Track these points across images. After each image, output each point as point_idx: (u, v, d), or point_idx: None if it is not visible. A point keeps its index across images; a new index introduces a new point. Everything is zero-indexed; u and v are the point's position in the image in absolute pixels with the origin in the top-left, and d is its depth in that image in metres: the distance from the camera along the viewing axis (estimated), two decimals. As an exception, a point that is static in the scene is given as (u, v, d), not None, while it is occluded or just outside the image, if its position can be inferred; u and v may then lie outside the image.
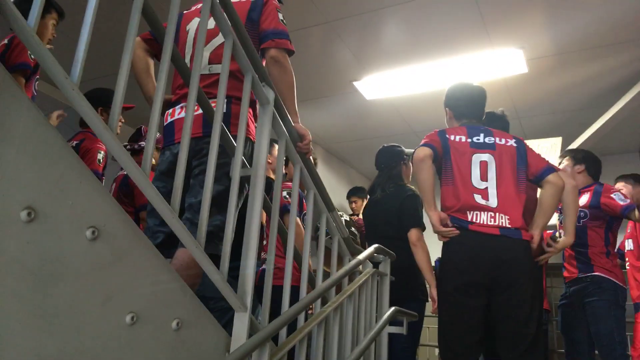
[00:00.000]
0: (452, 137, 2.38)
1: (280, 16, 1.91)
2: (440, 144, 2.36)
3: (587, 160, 3.25)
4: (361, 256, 2.08)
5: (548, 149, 4.23)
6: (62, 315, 0.96)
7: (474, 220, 2.22)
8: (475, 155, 2.33)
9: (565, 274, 3.10)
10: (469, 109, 2.52)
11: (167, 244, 1.70)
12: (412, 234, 2.86)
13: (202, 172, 1.65)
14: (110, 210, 1.03)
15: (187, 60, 1.82)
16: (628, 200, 2.96)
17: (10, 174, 0.87)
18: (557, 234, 3.09)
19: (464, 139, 2.38)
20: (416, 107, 5.25)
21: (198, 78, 1.28)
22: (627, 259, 3.36)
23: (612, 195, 2.99)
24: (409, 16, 3.84)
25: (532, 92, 4.82)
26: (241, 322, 1.33)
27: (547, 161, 2.38)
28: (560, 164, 3.33)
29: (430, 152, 2.30)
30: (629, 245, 3.32)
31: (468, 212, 2.24)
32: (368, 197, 3.37)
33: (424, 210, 2.46)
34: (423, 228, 2.90)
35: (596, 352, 2.98)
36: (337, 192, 6.05)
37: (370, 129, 5.88)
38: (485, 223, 2.20)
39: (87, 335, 1.00)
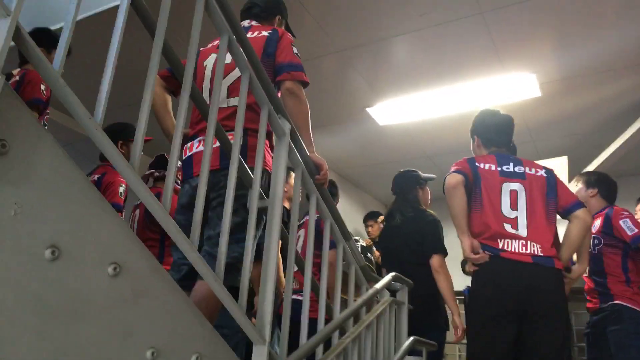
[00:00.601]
0: (481, 165, 2.38)
1: (295, 50, 1.95)
2: (470, 172, 2.35)
3: (600, 184, 3.19)
4: (378, 285, 2.07)
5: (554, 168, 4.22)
6: (84, 352, 0.96)
7: (505, 248, 2.20)
8: (505, 184, 2.32)
9: (589, 305, 3.05)
10: (498, 136, 2.52)
11: (193, 276, 1.71)
12: (435, 260, 2.82)
13: (220, 204, 1.67)
14: (131, 246, 1.04)
15: (206, 94, 1.86)
16: (636, 230, 2.87)
17: (35, 214, 0.88)
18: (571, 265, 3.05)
19: (493, 167, 2.37)
20: (429, 131, 5.26)
21: (216, 112, 1.30)
22: None
23: (620, 223, 2.93)
24: (421, 43, 3.89)
25: (546, 115, 4.82)
26: (260, 355, 1.32)
27: (577, 196, 2.39)
28: (575, 187, 3.30)
29: (463, 178, 2.30)
30: None
31: (499, 240, 2.22)
32: (384, 222, 3.34)
33: (455, 237, 2.45)
34: (445, 254, 2.87)
35: None
36: (350, 217, 6.04)
37: (384, 154, 5.90)
38: (517, 251, 2.19)
39: (108, 372, 1.00)
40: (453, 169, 2.38)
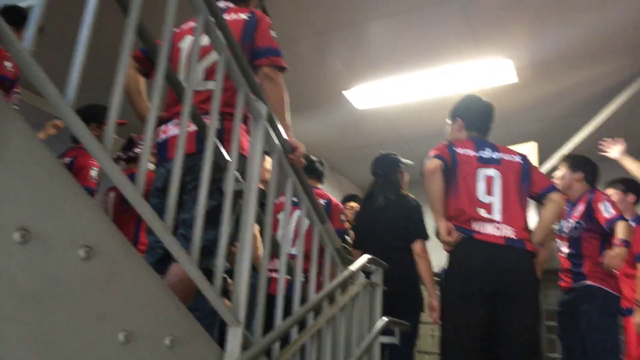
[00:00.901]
0: (460, 151, 2.42)
1: (273, 33, 1.93)
2: (449, 157, 2.39)
3: (586, 167, 3.22)
4: (353, 267, 2.09)
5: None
6: (56, 335, 0.95)
7: (479, 230, 2.27)
8: (481, 169, 2.37)
9: (562, 283, 3.11)
10: (481, 122, 2.58)
11: (167, 260, 1.71)
12: (418, 245, 2.88)
13: (195, 188, 1.65)
14: (103, 229, 1.03)
15: (181, 77, 1.83)
16: (614, 212, 2.90)
17: (3, 196, 0.87)
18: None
19: (471, 152, 2.42)
20: (406, 116, 5.29)
21: (192, 95, 1.28)
22: None
23: (599, 205, 2.96)
24: (399, 27, 3.88)
25: (521, 100, 4.88)
26: (235, 337, 1.33)
27: (550, 180, 2.46)
28: (558, 170, 3.35)
29: (441, 164, 2.35)
30: None
31: (473, 223, 2.28)
32: (364, 203, 3.28)
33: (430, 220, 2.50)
34: (428, 239, 2.93)
35: None
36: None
37: (361, 138, 5.91)
38: (490, 233, 2.26)
39: (80, 355, 1.00)
40: (432, 153, 2.41)
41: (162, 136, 1.84)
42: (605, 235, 2.97)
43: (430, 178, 2.34)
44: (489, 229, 2.26)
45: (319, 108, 5.19)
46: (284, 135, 1.77)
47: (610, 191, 3.44)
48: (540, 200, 2.41)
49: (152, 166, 3.12)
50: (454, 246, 2.30)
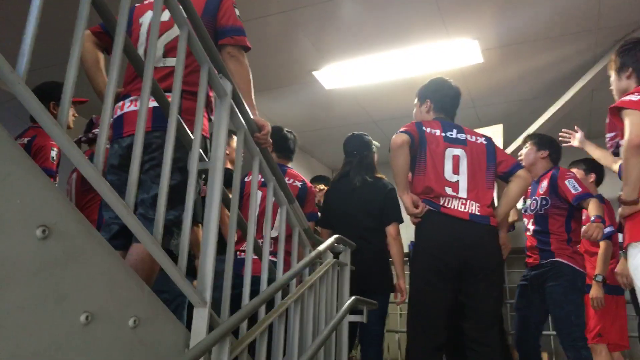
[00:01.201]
0: (428, 130, 2.46)
1: (237, 12, 1.90)
2: (417, 134, 2.42)
3: (551, 146, 3.29)
4: (321, 247, 2.10)
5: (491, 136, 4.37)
6: (13, 317, 0.93)
7: (445, 204, 2.32)
8: (448, 149, 2.42)
9: (528, 260, 3.17)
10: (450, 105, 2.63)
11: (122, 235, 1.69)
12: (393, 228, 2.95)
13: (153, 167, 1.63)
14: (61, 209, 1.00)
15: (141, 53, 1.78)
16: (580, 189, 2.97)
17: (-48, 173, 0.83)
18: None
19: (438, 132, 2.46)
20: (375, 96, 5.28)
21: (152, 71, 1.25)
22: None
23: (566, 182, 3.02)
24: (367, 6, 3.86)
25: (487, 81, 4.93)
26: (201, 317, 1.32)
27: (515, 158, 2.53)
28: (522, 148, 3.41)
29: (408, 139, 2.37)
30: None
31: (440, 198, 2.34)
32: (336, 182, 3.25)
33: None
34: (402, 222, 2.98)
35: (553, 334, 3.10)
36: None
37: (331, 118, 5.89)
38: (456, 208, 2.31)
39: (40, 337, 0.97)
40: (401, 129, 2.44)
41: (118, 112, 1.79)
42: (571, 211, 3.04)
43: (396, 152, 2.36)
44: (454, 204, 2.32)
45: (288, 87, 5.15)
46: (251, 114, 1.75)
47: (574, 170, 3.52)
48: (507, 178, 2.47)
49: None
50: (421, 218, 2.35)
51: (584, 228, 2.82)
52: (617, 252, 3.36)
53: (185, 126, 1.59)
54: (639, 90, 2.04)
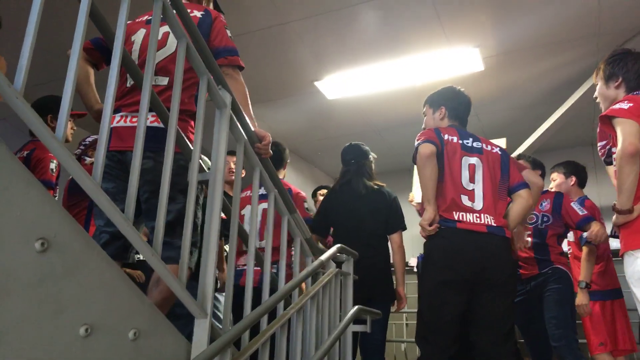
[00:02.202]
0: (446, 137, 2.43)
1: (229, 33, 1.93)
2: (438, 142, 2.39)
3: (578, 172, 3.49)
4: (323, 257, 2.09)
5: None
6: (12, 329, 0.93)
7: (460, 219, 2.29)
8: (464, 157, 2.40)
9: (523, 271, 3.21)
10: (464, 112, 2.63)
11: (112, 245, 1.72)
12: (398, 236, 2.98)
13: (153, 193, 1.65)
14: (60, 221, 1.00)
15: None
16: (586, 212, 3.14)
17: (-50, 187, 0.83)
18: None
19: (455, 139, 2.44)
20: (377, 105, 5.30)
21: (150, 87, 1.25)
22: (569, 249, 3.50)
23: (572, 204, 3.18)
24: (368, 16, 3.88)
25: (489, 89, 4.94)
26: (201, 329, 1.32)
27: (523, 176, 2.49)
28: (553, 180, 3.59)
29: (435, 149, 2.33)
30: (570, 236, 3.47)
31: (454, 212, 2.29)
32: (338, 188, 3.22)
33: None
34: (405, 230, 3.03)
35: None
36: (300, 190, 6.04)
37: (333, 128, 5.91)
38: (471, 222, 2.28)
39: (39, 349, 0.97)
40: (422, 138, 2.39)
41: (114, 124, 1.80)
42: (566, 231, 3.28)
43: (425, 163, 2.30)
44: (469, 218, 2.29)
45: (290, 98, 5.17)
46: (251, 126, 1.76)
47: (554, 175, 3.62)
48: (510, 194, 2.46)
49: (89, 159, 3.10)
50: (433, 233, 2.31)
51: (592, 231, 3.02)
52: (605, 254, 3.40)
53: (189, 143, 1.60)
54: (629, 99, 2.04)
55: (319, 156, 6.74)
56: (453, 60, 4.37)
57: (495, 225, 2.30)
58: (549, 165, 3.71)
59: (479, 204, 2.32)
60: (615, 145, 2.02)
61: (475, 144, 2.46)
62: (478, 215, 2.30)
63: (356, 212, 3.02)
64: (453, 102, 2.62)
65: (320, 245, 2.99)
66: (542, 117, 5.01)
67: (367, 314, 2.37)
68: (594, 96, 2.35)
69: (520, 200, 2.42)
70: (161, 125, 1.69)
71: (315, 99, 5.16)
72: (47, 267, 0.98)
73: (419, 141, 2.39)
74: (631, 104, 1.98)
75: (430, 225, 2.29)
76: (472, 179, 2.37)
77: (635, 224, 1.92)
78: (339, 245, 2.34)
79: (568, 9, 3.80)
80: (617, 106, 2.01)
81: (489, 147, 2.48)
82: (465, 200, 2.32)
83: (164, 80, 1.76)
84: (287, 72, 4.68)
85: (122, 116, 1.77)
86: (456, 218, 2.29)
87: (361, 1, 3.70)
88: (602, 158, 2.29)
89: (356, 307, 2.28)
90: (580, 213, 3.13)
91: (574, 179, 3.53)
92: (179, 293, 1.26)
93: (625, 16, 3.87)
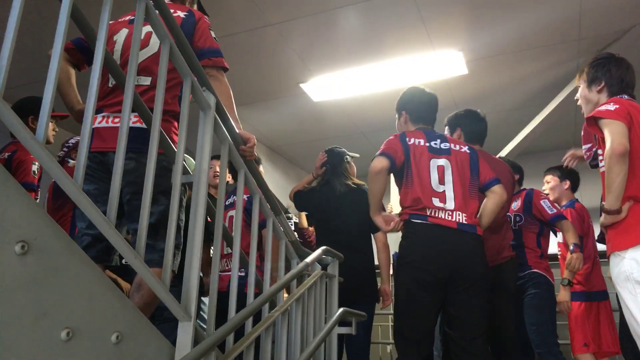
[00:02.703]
0: (412, 141, 2.44)
1: (213, 34, 1.92)
2: (401, 150, 2.41)
3: (572, 176, 3.51)
4: (309, 259, 2.09)
5: None
6: (-8, 334, 0.91)
7: (432, 215, 2.31)
8: (432, 159, 2.41)
9: None
10: (427, 114, 2.60)
11: (94, 247, 1.71)
12: (383, 234, 3.02)
13: (134, 195, 1.64)
14: (41, 224, 0.99)
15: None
16: (555, 210, 3.19)
17: None
18: None
19: (422, 142, 2.44)
20: (362, 108, 5.32)
21: (133, 87, 1.25)
22: (559, 250, 3.54)
23: (541, 202, 3.22)
24: (353, 19, 3.89)
25: (473, 92, 4.98)
26: (185, 332, 1.31)
27: (494, 173, 2.50)
28: (547, 182, 3.60)
29: (388, 164, 2.35)
30: (560, 237, 3.49)
31: (427, 209, 2.32)
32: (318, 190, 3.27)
33: None
34: None
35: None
36: (286, 193, 6.03)
37: (319, 130, 5.92)
38: (443, 218, 2.30)
39: (20, 354, 0.95)
40: (382, 149, 2.43)
41: (96, 124, 1.78)
42: (541, 230, 3.28)
43: (374, 177, 2.37)
44: (441, 215, 2.31)
45: (276, 100, 5.16)
46: (235, 128, 1.75)
47: (548, 177, 3.64)
48: (483, 191, 2.47)
49: (72, 162, 3.07)
50: (406, 232, 2.35)
51: (567, 260, 3.06)
52: (592, 255, 3.43)
53: (172, 144, 1.59)
54: (614, 101, 2.07)
55: (305, 158, 6.74)
56: (437, 63, 4.40)
57: (466, 222, 2.31)
58: (532, 168, 3.74)
59: (450, 205, 2.33)
60: (600, 147, 2.05)
61: (443, 145, 2.46)
62: (450, 213, 2.32)
63: (339, 212, 3.04)
64: (412, 105, 2.61)
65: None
66: (525, 121, 5.07)
67: (352, 316, 2.38)
68: (575, 97, 2.38)
69: (493, 196, 2.43)
70: (143, 125, 1.67)
71: (300, 101, 5.16)
72: (28, 270, 0.97)
73: (378, 152, 2.42)
74: (617, 106, 2.01)
75: (388, 225, 2.41)
76: (441, 181, 2.38)
77: (623, 224, 1.94)
78: (324, 247, 2.34)
79: (550, 14, 3.85)
80: (603, 108, 2.04)
81: (457, 147, 2.49)
82: (436, 202, 2.33)
83: (146, 80, 1.75)
84: (272, 74, 4.67)
85: (103, 116, 1.76)
86: (428, 214, 2.31)
87: (346, 4, 3.71)
88: (588, 161, 2.32)
89: (341, 309, 2.28)
90: (550, 212, 3.18)
91: (568, 182, 3.55)
92: (163, 296, 1.25)
93: (605, 22, 3.93)
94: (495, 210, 2.43)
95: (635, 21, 3.94)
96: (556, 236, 3.48)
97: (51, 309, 1.01)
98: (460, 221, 2.31)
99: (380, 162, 2.36)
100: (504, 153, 4.93)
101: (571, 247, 3.06)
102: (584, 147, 2.31)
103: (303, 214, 3.99)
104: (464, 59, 4.34)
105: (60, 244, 1.03)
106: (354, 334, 2.44)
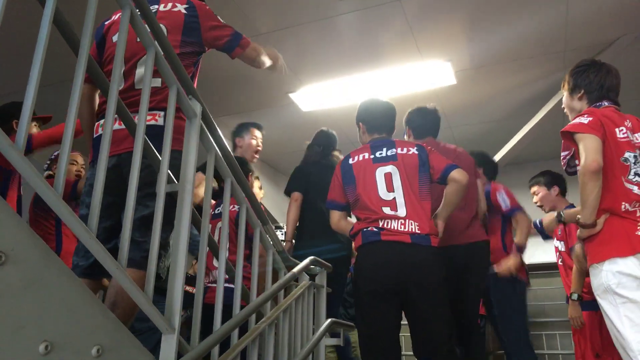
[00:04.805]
0: (354, 160, 2.48)
1: (220, 19, 1.96)
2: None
3: (558, 181, 3.43)
4: (296, 269, 2.07)
5: None
6: (-35, 348, 0.88)
7: (385, 227, 2.27)
8: (378, 169, 2.40)
9: None
10: (383, 122, 2.59)
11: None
12: None
13: (142, 189, 1.59)
14: (18, 234, 0.96)
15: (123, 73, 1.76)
16: (509, 205, 3.20)
17: None
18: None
19: (367, 155, 2.46)
20: (352, 118, 5.25)
21: (117, 92, 1.23)
22: (560, 258, 3.48)
23: (497, 195, 3.22)
24: (342, 29, 3.91)
25: (461, 102, 5.01)
26: (169, 344, 1.28)
27: (448, 160, 2.46)
28: (535, 194, 3.51)
29: (339, 214, 2.51)
30: (561, 246, 3.43)
31: (380, 220, 2.29)
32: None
33: None
34: None
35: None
36: (277, 204, 6.01)
37: (308, 139, 5.88)
38: (396, 229, 2.26)
39: (-4, 368, 0.93)
40: (329, 196, 2.55)
41: (99, 131, 1.75)
42: (504, 221, 3.26)
43: (337, 229, 2.50)
44: (394, 225, 2.27)
45: (265, 110, 5.15)
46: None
47: (535, 188, 3.53)
48: (443, 182, 2.42)
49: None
50: (359, 249, 2.35)
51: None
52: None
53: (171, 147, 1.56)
54: (589, 112, 2.08)
55: (293, 168, 6.71)
56: (426, 73, 4.42)
57: (419, 233, 2.26)
58: (520, 178, 3.70)
59: (402, 211, 2.29)
60: (576, 157, 2.06)
61: (389, 152, 2.45)
62: (403, 222, 2.27)
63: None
64: (367, 116, 2.64)
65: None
66: (513, 130, 5.10)
67: (340, 326, 2.36)
68: (562, 106, 2.40)
69: (453, 184, 2.37)
70: (152, 122, 1.66)
71: (289, 111, 5.15)
72: (5, 281, 0.94)
73: (327, 200, 2.55)
74: (590, 118, 2.03)
75: None
76: (390, 188, 2.35)
77: (598, 237, 1.96)
78: (312, 257, 2.32)
79: (536, 26, 3.89)
80: (577, 121, 2.06)
81: (405, 150, 2.45)
82: (387, 210, 2.30)
83: (157, 82, 1.67)
84: (261, 84, 4.66)
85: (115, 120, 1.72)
86: (381, 225, 2.28)
87: (335, 14, 3.72)
88: (564, 168, 2.33)
89: (329, 319, 2.26)
90: (504, 208, 3.18)
91: (557, 189, 3.45)
92: (145, 307, 1.22)
93: (591, 33, 3.98)
94: (456, 201, 2.39)
95: (620, 33, 3.99)
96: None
97: (29, 322, 0.98)
98: (414, 231, 2.25)
99: (335, 216, 2.51)
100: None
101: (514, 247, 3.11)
102: (562, 154, 2.33)
103: None
104: (452, 69, 4.36)
105: (38, 255, 1.00)
106: (342, 345, 2.42)
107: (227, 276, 2.62)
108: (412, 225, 2.26)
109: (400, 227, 2.26)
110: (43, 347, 1.00)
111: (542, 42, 4.08)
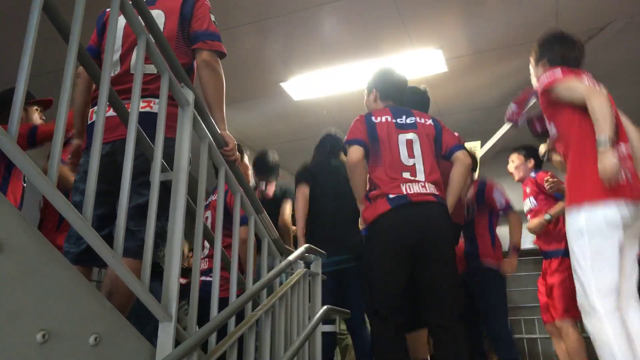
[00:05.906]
0: (378, 119, 2.50)
1: (213, 17, 1.87)
2: (366, 132, 2.47)
3: (536, 155, 3.54)
4: (291, 257, 2.08)
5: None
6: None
7: (408, 191, 2.33)
8: (400, 135, 2.46)
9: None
10: (396, 92, 2.68)
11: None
12: None
13: (136, 178, 1.58)
14: (13, 223, 0.96)
15: (116, 59, 1.75)
16: (504, 203, 3.30)
17: None
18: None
19: (389, 118, 2.51)
20: (344, 106, 5.30)
21: (109, 80, 1.22)
22: (528, 217, 3.57)
23: (493, 195, 3.32)
24: (332, 18, 3.89)
25: (453, 90, 5.01)
26: (166, 333, 1.28)
27: (458, 138, 2.58)
28: (512, 161, 3.67)
29: (362, 152, 2.42)
30: (531, 203, 3.54)
31: (401, 184, 2.35)
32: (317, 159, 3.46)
33: None
34: None
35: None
36: (268, 193, 5.98)
37: (300, 129, 5.89)
38: (418, 192, 2.33)
39: (-7, 358, 0.92)
40: (350, 136, 2.50)
41: (94, 117, 1.73)
42: (491, 214, 3.37)
43: (354, 169, 2.43)
44: (416, 189, 2.34)
45: (256, 99, 5.13)
46: (216, 126, 1.73)
47: (513, 156, 3.71)
48: (449, 158, 2.53)
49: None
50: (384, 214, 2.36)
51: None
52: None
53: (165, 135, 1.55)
54: (550, 69, 2.19)
55: (286, 158, 6.71)
56: (417, 61, 4.42)
57: (438, 194, 2.38)
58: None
59: (421, 177, 2.38)
60: (550, 120, 2.19)
61: (409, 120, 2.52)
62: (423, 184, 2.36)
63: (338, 182, 3.10)
64: (383, 84, 2.70)
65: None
66: (504, 118, 5.11)
67: (336, 313, 2.37)
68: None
69: (457, 165, 2.49)
70: (147, 110, 1.65)
71: (281, 100, 5.13)
72: (1, 271, 0.94)
73: (348, 139, 2.49)
74: (557, 69, 2.14)
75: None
76: (411, 154, 2.43)
77: (580, 177, 2.03)
78: (307, 245, 2.32)
79: (527, 12, 3.89)
80: (547, 78, 2.14)
81: (423, 120, 2.55)
82: (407, 175, 2.38)
83: (152, 69, 1.64)
84: (252, 73, 4.64)
85: (107, 106, 1.71)
86: (404, 191, 2.33)
87: (325, 2, 3.70)
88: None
89: (325, 307, 2.27)
90: (499, 206, 3.29)
91: (532, 161, 3.62)
92: (141, 295, 1.22)
93: (581, 20, 3.98)
94: (462, 181, 2.49)
95: (610, 18, 4.00)
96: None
97: (26, 310, 0.98)
98: (434, 192, 2.36)
99: (357, 152, 2.41)
100: (483, 150, 4.97)
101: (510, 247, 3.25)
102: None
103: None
104: (443, 57, 4.36)
105: (34, 244, 1.00)
106: (337, 332, 2.43)
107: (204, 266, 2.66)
108: (432, 187, 2.37)
109: (422, 190, 2.34)
110: (40, 336, 1.00)
111: (533, 28, 4.07)
